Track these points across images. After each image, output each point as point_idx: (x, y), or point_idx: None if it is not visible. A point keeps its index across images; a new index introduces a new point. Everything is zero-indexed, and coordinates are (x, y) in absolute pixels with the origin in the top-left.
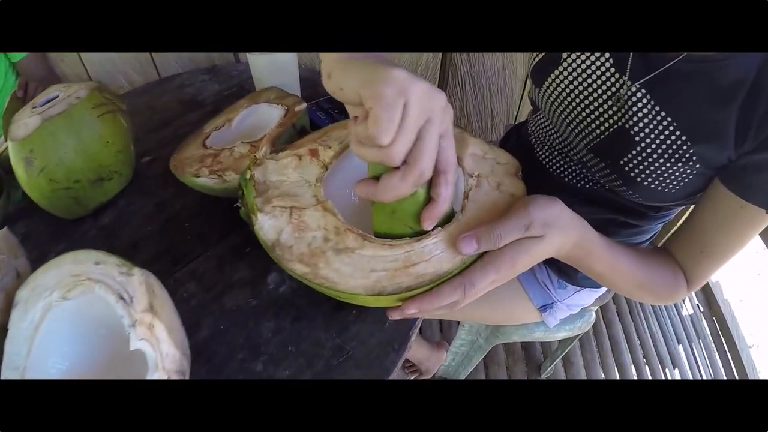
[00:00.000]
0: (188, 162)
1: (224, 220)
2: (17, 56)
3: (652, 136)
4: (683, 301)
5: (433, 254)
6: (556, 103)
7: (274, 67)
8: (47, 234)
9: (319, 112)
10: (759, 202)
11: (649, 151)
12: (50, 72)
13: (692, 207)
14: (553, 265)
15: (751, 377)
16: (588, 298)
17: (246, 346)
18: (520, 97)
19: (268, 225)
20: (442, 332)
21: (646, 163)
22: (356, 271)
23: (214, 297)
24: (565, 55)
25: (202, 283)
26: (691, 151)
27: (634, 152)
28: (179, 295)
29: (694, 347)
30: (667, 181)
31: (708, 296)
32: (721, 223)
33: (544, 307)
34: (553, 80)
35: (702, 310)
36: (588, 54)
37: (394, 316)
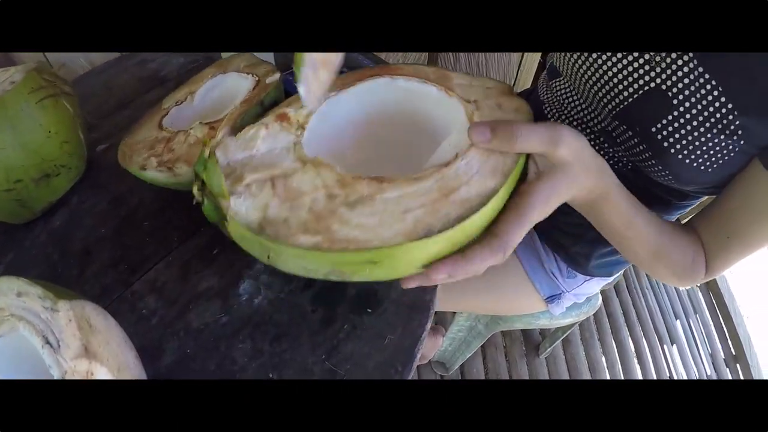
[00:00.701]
0: (137, 149)
1: (187, 217)
2: None
3: (693, 100)
4: None
5: (471, 174)
6: (579, 62)
7: None
8: None
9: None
10: None
11: (688, 116)
12: (5, 58)
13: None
14: (561, 252)
15: (747, 353)
16: (596, 286)
17: (218, 375)
18: (518, 63)
19: (246, 206)
20: (436, 315)
21: (682, 132)
22: (385, 218)
23: (179, 313)
24: None
25: (164, 295)
26: (737, 122)
27: (669, 117)
28: (138, 311)
29: (691, 322)
30: (705, 156)
31: None
32: (754, 210)
33: (551, 298)
34: None
35: (698, 284)
36: None
37: (411, 284)
